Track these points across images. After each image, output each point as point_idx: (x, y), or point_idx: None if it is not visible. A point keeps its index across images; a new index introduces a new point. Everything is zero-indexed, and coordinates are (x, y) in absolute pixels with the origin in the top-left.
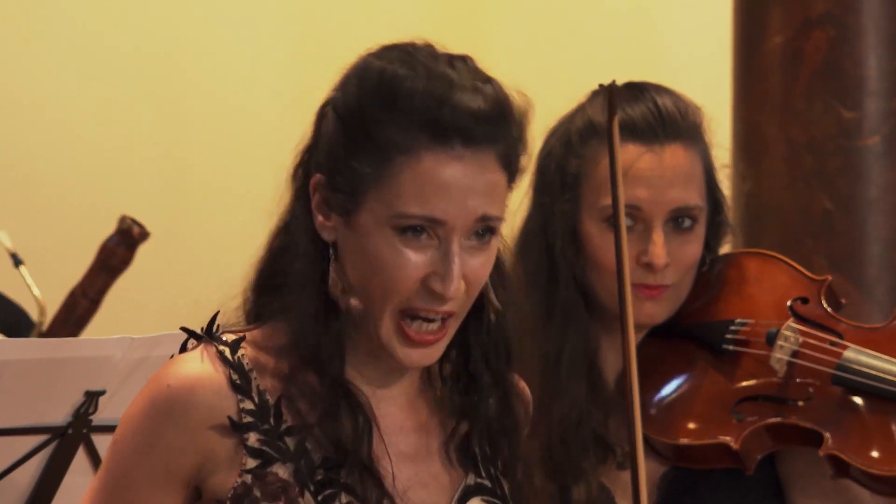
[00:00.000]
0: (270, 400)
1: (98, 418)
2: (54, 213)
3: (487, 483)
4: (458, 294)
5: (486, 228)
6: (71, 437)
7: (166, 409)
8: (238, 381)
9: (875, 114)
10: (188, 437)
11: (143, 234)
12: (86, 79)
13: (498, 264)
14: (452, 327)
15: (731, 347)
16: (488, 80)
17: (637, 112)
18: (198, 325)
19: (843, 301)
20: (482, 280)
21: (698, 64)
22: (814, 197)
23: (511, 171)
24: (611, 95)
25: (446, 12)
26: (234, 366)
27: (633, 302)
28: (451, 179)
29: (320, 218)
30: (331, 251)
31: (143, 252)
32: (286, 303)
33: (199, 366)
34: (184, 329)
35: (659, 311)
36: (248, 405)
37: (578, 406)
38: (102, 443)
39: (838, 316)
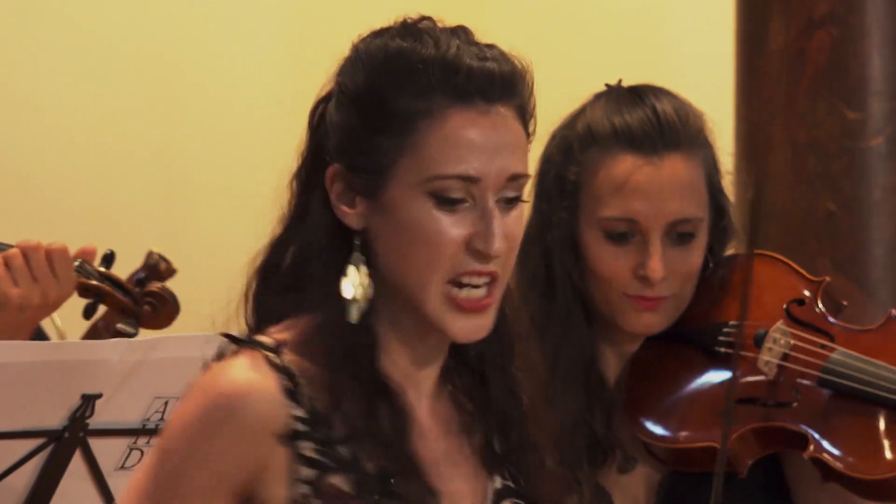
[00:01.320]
0: (318, 407)
1: (94, 422)
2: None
3: (511, 484)
4: (501, 251)
5: (514, 191)
6: (67, 440)
7: (222, 417)
8: (291, 388)
9: (879, 115)
10: (244, 446)
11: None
12: (84, 83)
13: None
14: (498, 293)
15: (723, 350)
16: (491, 45)
17: (635, 119)
18: (196, 329)
19: (845, 303)
20: (518, 239)
21: (701, 65)
22: (817, 198)
23: (528, 128)
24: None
25: (446, 12)
26: (284, 371)
27: (631, 312)
28: (480, 135)
29: (343, 208)
30: (356, 241)
31: (141, 255)
32: (311, 303)
33: (251, 373)
34: (225, 334)
35: (657, 321)
36: (300, 413)
37: (573, 415)
38: (99, 446)
39: (833, 318)
